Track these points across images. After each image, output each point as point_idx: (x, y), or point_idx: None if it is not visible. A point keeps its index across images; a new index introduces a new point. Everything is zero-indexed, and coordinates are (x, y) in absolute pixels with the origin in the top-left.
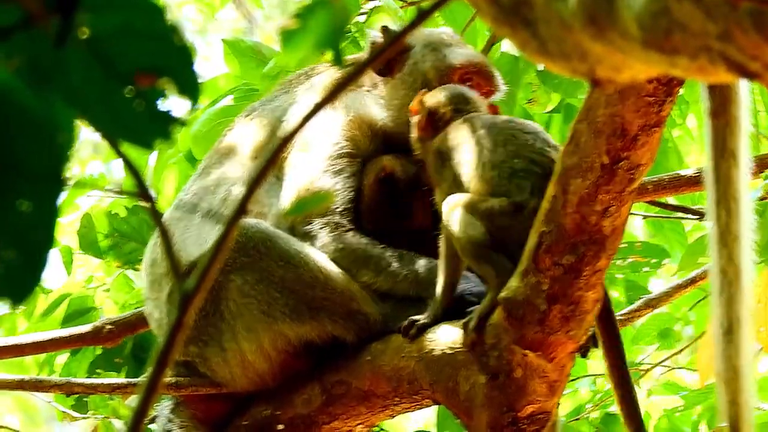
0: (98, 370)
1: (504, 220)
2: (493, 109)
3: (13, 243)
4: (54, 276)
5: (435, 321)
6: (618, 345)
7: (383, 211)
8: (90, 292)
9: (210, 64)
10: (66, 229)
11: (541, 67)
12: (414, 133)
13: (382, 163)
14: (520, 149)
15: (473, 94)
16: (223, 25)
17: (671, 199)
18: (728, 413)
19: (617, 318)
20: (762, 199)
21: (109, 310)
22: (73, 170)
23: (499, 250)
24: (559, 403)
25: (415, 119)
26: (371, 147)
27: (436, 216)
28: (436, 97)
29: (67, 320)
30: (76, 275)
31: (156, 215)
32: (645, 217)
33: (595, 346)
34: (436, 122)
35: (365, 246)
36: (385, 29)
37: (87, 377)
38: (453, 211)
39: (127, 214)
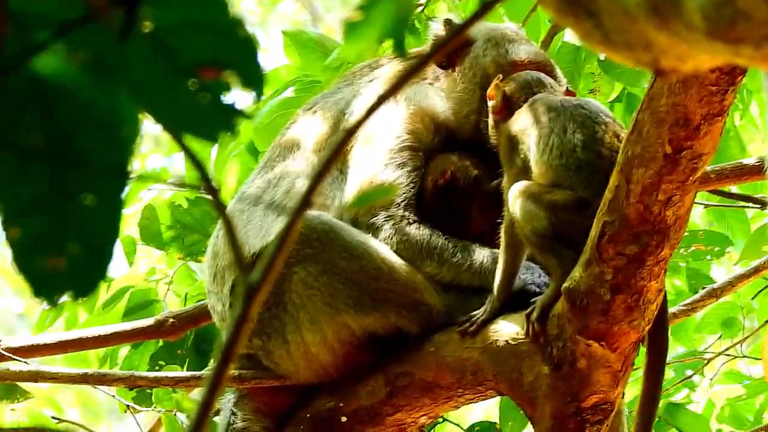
0: (160, 362)
1: (568, 215)
2: (570, 94)
3: (77, 237)
4: (115, 267)
5: (494, 316)
6: (664, 344)
7: (441, 215)
8: (152, 284)
9: (270, 56)
10: (128, 221)
11: (603, 56)
12: (490, 119)
13: (443, 166)
14: (589, 141)
15: (549, 80)
16: (283, 18)
17: (734, 188)
18: None
19: (680, 308)
20: None
21: (171, 303)
22: (135, 164)
23: (563, 241)
24: (623, 394)
25: (491, 104)
26: (434, 140)
27: (494, 223)
28: (512, 82)
29: (129, 313)
30: (139, 267)
31: (220, 207)
32: (707, 206)
33: None
34: (511, 106)
35: (428, 237)
36: (447, 22)
37: (149, 370)
38: (518, 199)
39: (189, 205)
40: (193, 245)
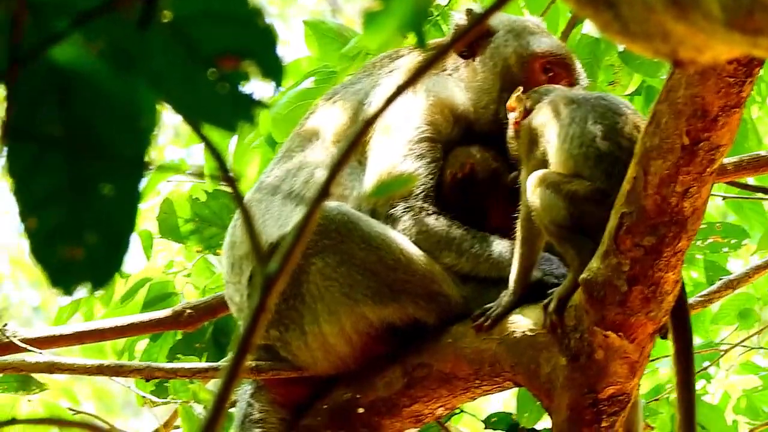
0: (178, 355)
1: (587, 206)
2: None
3: (95, 227)
4: (133, 261)
5: (509, 309)
6: (687, 331)
7: (459, 208)
8: (170, 277)
9: (290, 48)
10: (146, 215)
11: (622, 48)
12: (510, 130)
13: (463, 158)
14: (610, 132)
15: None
16: (304, 10)
17: (751, 180)
18: None
19: (697, 299)
20: None
21: (189, 296)
22: (153, 155)
23: (581, 231)
24: (639, 385)
25: (512, 115)
26: (453, 131)
27: (513, 216)
28: (535, 94)
29: (147, 306)
30: (157, 260)
31: (238, 197)
32: (725, 198)
33: None
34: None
35: (447, 228)
36: (468, 11)
37: (167, 362)
38: (537, 188)
39: (207, 198)
40: (212, 238)
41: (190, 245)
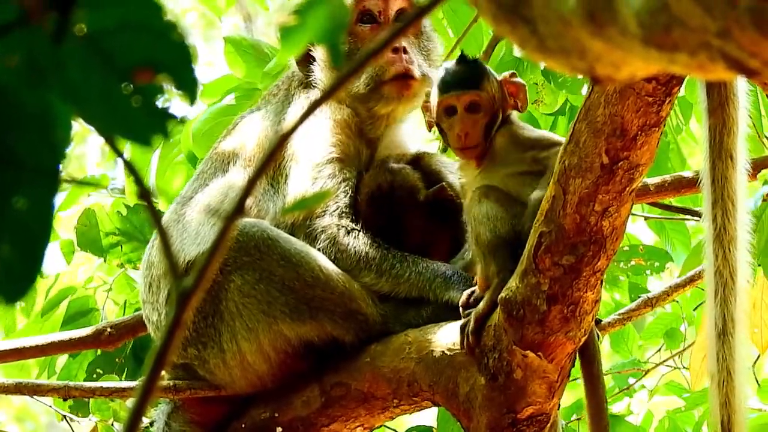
0: (98, 371)
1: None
2: None
3: (9, 239)
4: (53, 266)
5: (492, 309)
6: (593, 353)
7: (377, 227)
8: (90, 292)
9: (213, 69)
10: (67, 225)
11: (543, 65)
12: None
13: (380, 178)
14: None
15: None
16: (225, 31)
17: (674, 201)
18: (720, 415)
19: (615, 317)
20: (765, 200)
21: (110, 311)
22: (74, 170)
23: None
24: (559, 405)
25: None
26: (362, 148)
27: (433, 235)
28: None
29: (68, 321)
30: (78, 275)
31: (153, 212)
32: (647, 218)
33: None
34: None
35: (366, 248)
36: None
37: (86, 378)
38: (484, 199)
39: (128, 212)
40: (133, 252)
41: (111, 259)
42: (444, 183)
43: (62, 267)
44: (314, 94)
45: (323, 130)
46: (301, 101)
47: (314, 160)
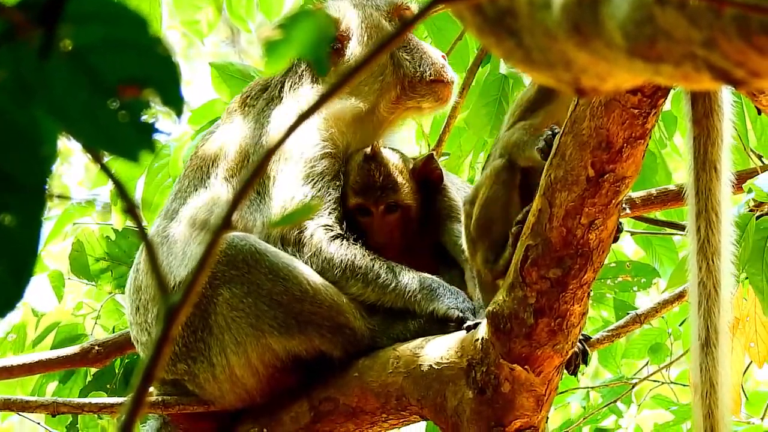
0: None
1: None
2: None
3: None
4: (44, 302)
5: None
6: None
7: (364, 232)
8: (79, 319)
9: (193, 88)
10: (56, 256)
11: (528, 80)
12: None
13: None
14: None
15: None
16: (207, 50)
17: (660, 216)
18: (704, 426)
19: (604, 334)
20: (751, 210)
21: (99, 336)
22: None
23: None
24: (547, 418)
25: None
26: (351, 142)
27: (407, 236)
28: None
29: (57, 347)
30: (66, 302)
31: (140, 228)
32: (633, 233)
33: (585, 363)
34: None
35: (353, 257)
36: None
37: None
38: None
39: (116, 237)
40: (122, 277)
41: (101, 284)
42: (432, 153)
43: (52, 298)
44: (303, 95)
45: (314, 124)
46: (290, 104)
47: (306, 156)
